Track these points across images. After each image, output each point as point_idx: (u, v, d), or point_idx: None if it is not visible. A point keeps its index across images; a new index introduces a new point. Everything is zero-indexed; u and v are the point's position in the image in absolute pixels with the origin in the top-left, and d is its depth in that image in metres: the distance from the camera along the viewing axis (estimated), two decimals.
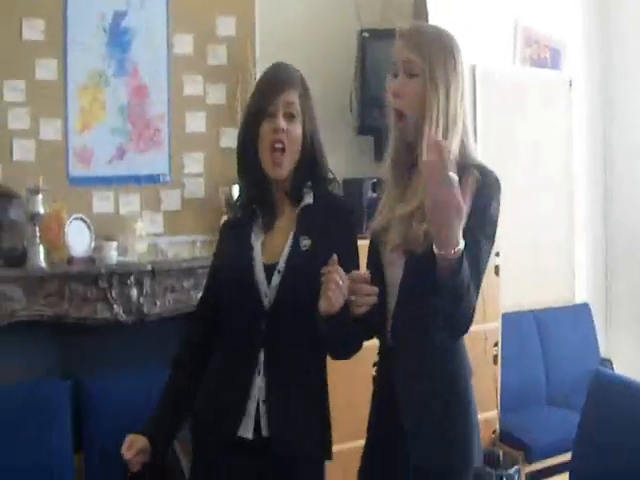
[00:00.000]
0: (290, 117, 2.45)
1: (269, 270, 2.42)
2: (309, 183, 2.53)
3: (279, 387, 2.40)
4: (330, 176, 2.58)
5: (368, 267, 2.53)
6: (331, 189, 2.58)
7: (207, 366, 2.56)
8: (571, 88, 5.74)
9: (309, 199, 2.51)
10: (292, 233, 2.47)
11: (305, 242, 2.44)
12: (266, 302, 2.40)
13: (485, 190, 2.34)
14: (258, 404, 2.39)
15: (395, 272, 2.44)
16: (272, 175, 2.46)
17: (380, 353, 2.58)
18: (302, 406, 2.44)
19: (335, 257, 2.19)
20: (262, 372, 2.40)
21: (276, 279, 2.40)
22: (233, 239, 2.54)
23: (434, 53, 2.35)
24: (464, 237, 2.12)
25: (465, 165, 2.34)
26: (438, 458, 2.39)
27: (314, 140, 2.52)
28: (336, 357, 2.49)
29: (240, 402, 2.40)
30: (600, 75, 5.90)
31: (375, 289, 2.20)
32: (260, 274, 2.42)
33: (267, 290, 2.40)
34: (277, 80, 2.49)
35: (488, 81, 5.37)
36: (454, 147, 2.36)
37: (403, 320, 2.42)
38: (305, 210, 2.50)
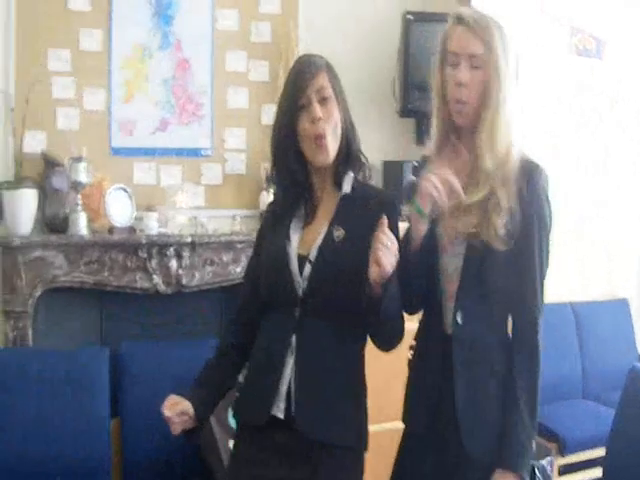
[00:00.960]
0: (324, 101, 2.40)
1: (302, 261, 2.41)
2: (350, 172, 2.49)
3: (309, 369, 2.39)
4: (363, 160, 2.53)
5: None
6: (368, 176, 2.56)
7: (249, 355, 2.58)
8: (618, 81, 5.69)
9: (347, 187, 2.48)
10: (327, 223, 2.45)
11: (338, 233, 2.42)
12: (299, 291, 2.40)
13: (537, 191, 2.35)
14: (290, 384, 2.39)
15: (453, 259, 2.42)
16: (319, 163, 2.42)
17: (425, 338, 2.54)
18: (332, 390, 2.42)
19: (385, 219, 2.18)
20: (295, 354, 2.39)
21: (307, 269, 2.40)
22: (273, 233, 2.51)
23: (498, 46, 2.33)
24: (522, 245, 2.28)
25: (526, 162, 2.37)
26: (492, 453, 2.35)
27: (348, 123, 2.48)
28: (381, 343, 2.47)
29: (273, 381, 2.40)
30: None
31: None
32: (294, 265, 2.41)
33: (300, 280, 2.40)
34: (305, 70, 2.43)
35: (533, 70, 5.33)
36: (516, 140, 2.37)
37: (467, 308, 2.39)
38: (344, 200, 2.47)
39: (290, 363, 2.39)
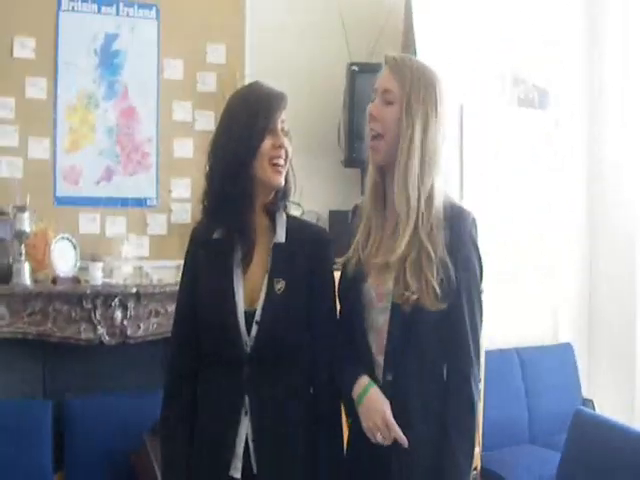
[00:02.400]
0: (285, 132, 2.46)
1: (249, 318, 2.40)
2: (283, 206, 2.54)
3: (266, 427, 2.40)
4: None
5: (339, 296, 2.54)
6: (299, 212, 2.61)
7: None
8: (557, 128, 5.80)
9: (282, 235, 2.48)
10: (266, 276, 2.44)
11: (279, 285, 2.42)
12: (247, 349, 2.39)
13: (462, 237, 2.37)
14: (247, 443, 2.39)
15: (382, 314, 2.42)
16: (275, 183, 2.44)
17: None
18: (292, 442, 2.44)
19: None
20: (249, 414, 2.39)
21: (254, 329, 2.39)
22: (211, 276, 2.47)
23: (414, 85, 2.35)
24: (454, 293, 2.31)
25: (451, 208, 2.39)
26: None
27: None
28: None
29: (228, 443, 2.40)
30: (587, 117, 5.94)
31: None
32: (242, 323, 2.40)
33: (247, 339, 2.39)
34: (276, 96, 2.47)
35: (475, 121, 5.42)
36: (438, 186, 2.38)
37: (398, 364, 2.38)
38: (278, 248, 2.47)
39: (245, 423, 2.39)
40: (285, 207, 2.54)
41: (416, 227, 2.33)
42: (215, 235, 2.48)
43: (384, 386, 2.38)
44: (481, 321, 2.41)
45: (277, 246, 2.47)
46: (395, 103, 2.36)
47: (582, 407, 4.06)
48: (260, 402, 2.40)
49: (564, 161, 5.85)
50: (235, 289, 2.42)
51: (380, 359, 2.41)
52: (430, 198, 2.35)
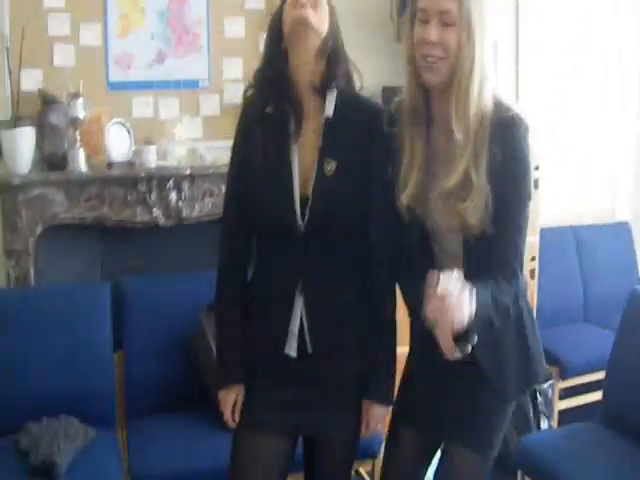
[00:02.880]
0: (314, 5, 2.36)
1: (303, 202, 2.42)
2: (334, 84, 2.44)
3: (321, 308, 2.44)
4: (350, 63, 2.50)
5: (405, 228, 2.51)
6: (354, 82, 2.52)
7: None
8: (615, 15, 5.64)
9: (330, 109, 2.44)
10: (317, 155, 2.43)
11: (329, 167, 2.42)
12: (300, 233, 2.41)
13: (514, 153, 2.32)
14: (302, 322, 2.44)
15: (453, 243, 2.43)
16: (297, 35, 2.36)
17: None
18: (346, 324, 2.49)
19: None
20: (304, 294, 2.43)
21: (307, 212, 2.41)
22: (265, 153, 2.45)
23: (472, 3, 2.24)
24: (499, 203, 2.27)
25: (500, 115, 2.32)
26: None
27: (335, 24, 2.45)
28: None
29: (283, 322, 2.44)
30: None
31: None
32: (297, 208, 2.41)
33: (301, 222, 2.41)
34: None
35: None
36: (489, 103, 2.32)
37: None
38: (329, 125, 2.44)
39: (300, 302, 2.43)
40: (336, 83, 2.44)
41: (467, 153, 2.29)
42: (267, 109, 2.47)
43: None
44: (524, 244, 2.38)
45: (327, 123, 2.44)
46: (455, 24, 2.25)
47: (638, 287, 4.01)
48: (313, 283, 2.44)
49: (619, 44, 5.69)
50: (292, 162, 2.43)
51: None
52: (482, 117, 2.30)
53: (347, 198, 2.42)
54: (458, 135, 2.29)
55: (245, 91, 2.60)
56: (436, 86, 2.35)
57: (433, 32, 2.26)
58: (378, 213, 2.47)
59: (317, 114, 2.47)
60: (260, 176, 2.47)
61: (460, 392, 2.50)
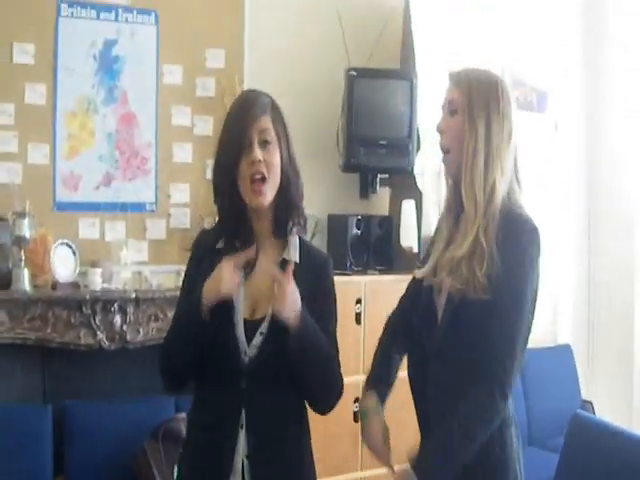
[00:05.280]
0: (265, 144, 2.34)
1: (251, 327, 2.36)
2: (291, 225, 2.44)
3: (262, 443, 2.36)
4: (302, 208, 2.47)
5: (403, 303, 2.67)
6: (303, 224, 2.49)
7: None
8: (557, 131, 5.81)
9: (295, 255, 2.43)
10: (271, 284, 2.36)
11: None
12: (246, 360, 2.34)
13: (516, 239, 2.34)
14: (243, 460, 2.36)
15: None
16: (254, 205, 2.35)
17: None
18: (285, 460, 2.41)
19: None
20: (244, 430, 2.35)
21: (258, 339, 2.35)
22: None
23: (474, 90, 2.38)
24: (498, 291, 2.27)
25: (510, 211, 2.37)
26: None
27: (290, 166, 2.42)
28: (317, 401, 2.46)
29: (226, 459, 2.35)
30: (585, 119, 5.96)
31: None
32: (241, 332, 2.35)
33: (247, 349, 2.34)
34: (248, 109, 2.38)
35: None
36: (499, 187, 2.36)
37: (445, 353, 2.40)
38: (286, 264, 2.37)
39: (241, 439, 2.35)
40: (294, 227, 2.45)
41: (478, 226, 2.34)
42: (219, 245, 2.43)
43: (433, 374, 2.42)
44: (526, 327, 2.39)
45: (285, 262, 2.39)
46: (458, 111, 2.39)
47: (580, 410, 4.05)
48: (257, 418, 2.36)
49: (563, 163, 5.86)
50: (234, 297, 2.36)
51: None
52: (491, 194, 2.35)
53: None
54: (468, 212, 2.36)
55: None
56: (453, 175, 2.47)
57: (440, 121, 2.46)
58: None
59: (274, 249, 2.45)
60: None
61: None
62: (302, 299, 2.32)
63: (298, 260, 2.42)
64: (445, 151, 2.45)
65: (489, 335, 2.30)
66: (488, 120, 2.37)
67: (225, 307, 2.33)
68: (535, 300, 2.39)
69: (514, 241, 2.32)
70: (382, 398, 2.54)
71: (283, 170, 2.39)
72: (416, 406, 2.55)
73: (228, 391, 2.37)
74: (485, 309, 2.29)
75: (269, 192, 2.35)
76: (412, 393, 2.55)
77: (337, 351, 2.47)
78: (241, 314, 2.36)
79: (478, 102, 2.37)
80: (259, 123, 2.35)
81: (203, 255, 2.46)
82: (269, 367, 2.34)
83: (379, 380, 2.58)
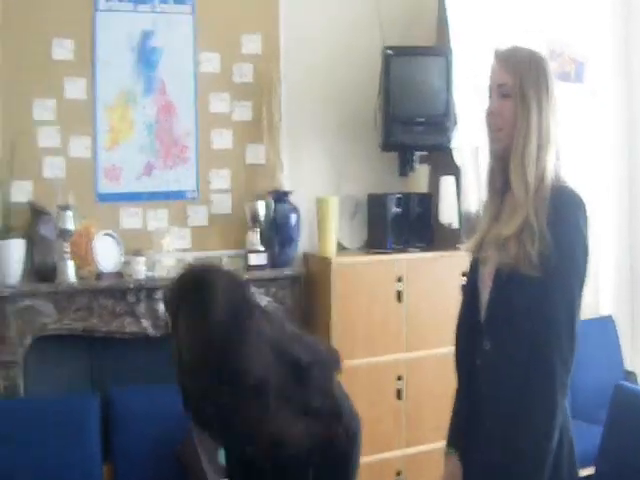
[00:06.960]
0: None
1: None
2: None
3: None
4: None
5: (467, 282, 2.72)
6: None
7: None
8: (595, 100, 5.75)
9: None
10: None
11: None
12: None
13: (566, 215, 2.43)
14: None
15: (485, 291, 2.54)
16: None
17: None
18: None
19: None
20: None
21: None
22: None
23: (525, 73, 2.44)
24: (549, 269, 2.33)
25: (557, 188, 2.44)
26: None
27: None
28: None
29: None
30: (625, 89, 5.89)
31: None
32: None
33: None
34: None
35: None
36: (550, 166, 2.45)
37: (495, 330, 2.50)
38: None
39: None
40: None
41: (528, 207, 2.40)
42: None
43: (483, 355, 2.52)
44: (578, 305, 2.44)
45: None
46: (510, 95, 2.45)
47: (623, 382, 4.03)
48: None
49: (603, 133, 5.80)
50: None
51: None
52: (542, 176, 2.43)
53: None
54: (517, 193, 2.43)
55: None
56: (500, 154, 2.53)
57: (491, 104, 2.51)
58: None
59: None
60: None
61: None
62: None
63: None
64: (497, 129, 2.51)
65: (543, 313, 2.38)
66: (539, 103, 2.44)
67: None
68: (585, 276, 2.48)
69: (564, 217, 2.41)
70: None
71: None
72: (461, 382, 2.70)
73: None
74: (537, 286, 2.36)
75: None
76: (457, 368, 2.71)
77: None
78: None
79: (529, 86, 2.43)
80: None
81: None
82: None
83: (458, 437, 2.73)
